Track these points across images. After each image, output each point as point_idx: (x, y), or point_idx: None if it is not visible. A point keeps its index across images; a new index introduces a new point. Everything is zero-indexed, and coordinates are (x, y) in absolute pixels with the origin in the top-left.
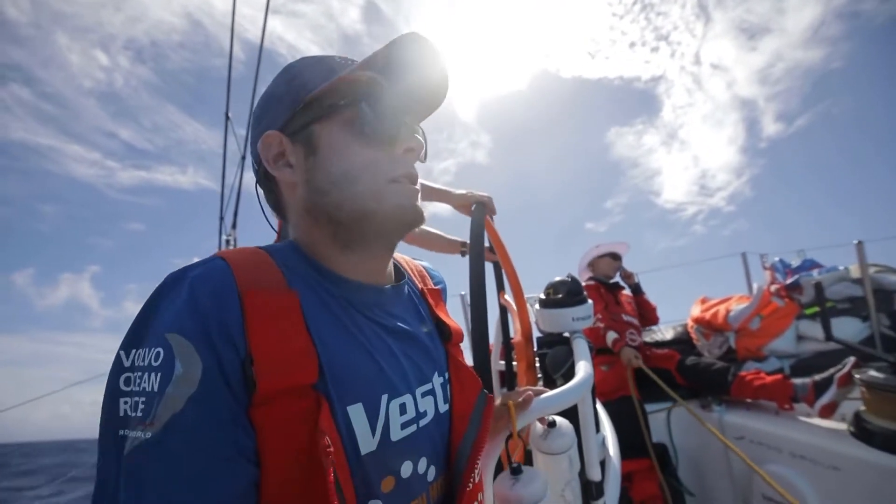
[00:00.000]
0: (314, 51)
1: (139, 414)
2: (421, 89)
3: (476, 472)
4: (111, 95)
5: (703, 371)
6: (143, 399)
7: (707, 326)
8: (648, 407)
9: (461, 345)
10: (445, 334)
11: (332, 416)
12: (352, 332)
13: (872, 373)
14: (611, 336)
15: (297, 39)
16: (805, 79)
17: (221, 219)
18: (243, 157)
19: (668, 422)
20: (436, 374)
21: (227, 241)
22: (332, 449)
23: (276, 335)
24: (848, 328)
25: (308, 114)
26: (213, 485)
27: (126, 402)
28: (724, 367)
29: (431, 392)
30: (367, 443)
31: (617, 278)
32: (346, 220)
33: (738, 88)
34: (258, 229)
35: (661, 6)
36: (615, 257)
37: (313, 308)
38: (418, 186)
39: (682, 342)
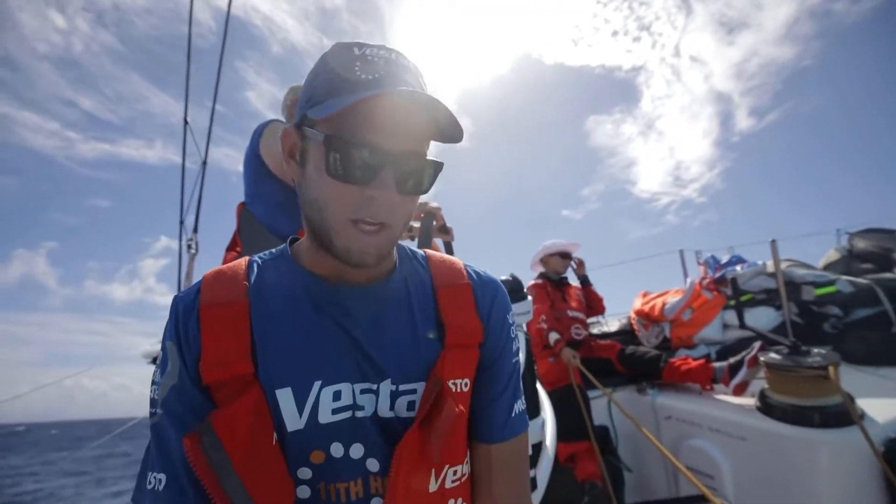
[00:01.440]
0: (290, 24)
1: (155, 397)
2: (403, 133)
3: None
4: (69, 61)
5: (638, 359)
6: (156, 388)
7: (646, 318)
8: (592, 393)
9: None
10: (442, 333)
11: (259, 398)
12: (302, 326)
13: (773, 355)
14: (552, 337)
15: (272, 10)
16: (778, 75)
17: (181, 222)
18: (204, 163)
19: (609, 407)
20: (389, 381)
21: (189, 245)
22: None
23: (217, 340)
24: (764, 316)
25: (307, 129)
26: (179, 446)
27: (152, 390)
28: (657, 355)
29: (374, 392)
30: (293, 422)
31: (567, 272)
32: (317, 233)
33: (715, 82)
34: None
35: None
36: (565, 256)
37: (271, 307)
38: (391, 228)
39: (626, 333)
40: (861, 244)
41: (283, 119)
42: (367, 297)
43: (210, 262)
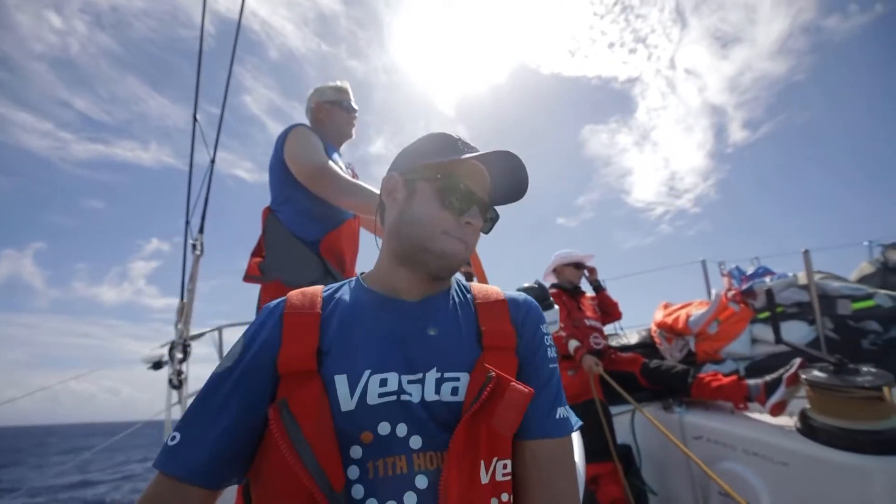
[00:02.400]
0: (289, 29)
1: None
2: (494, 187)
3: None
4: (66, 62)
5: (664, 374)
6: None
7: (669, 331)
8: (614, 409)
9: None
10: (480, 339)
11: (322, 386)
12: (361, 327)
13: (816, 373)
14: (572, 344)
15: (270, 15)
16: (770, 89)
17: (187, 223)
18: (212, 161)
19: (632, 424)
20: (434, 369)
21: (194, 246)
22: (316, 406)
23: (293, 341)
24: (796, 331)
25: (421, 172)
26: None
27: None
28: (684, 369)
29: (420, 381)
30: (346, 403)
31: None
32: (409, 246)
33: (709, 95)
34: (229, 229)
35: (640, 8)
36: (579, 266)
37: (339, 315)
38: (467, 246)
39: (646, 346)
40: None
41: (306, 122)
42: (423, 306)
43: (204, 261)
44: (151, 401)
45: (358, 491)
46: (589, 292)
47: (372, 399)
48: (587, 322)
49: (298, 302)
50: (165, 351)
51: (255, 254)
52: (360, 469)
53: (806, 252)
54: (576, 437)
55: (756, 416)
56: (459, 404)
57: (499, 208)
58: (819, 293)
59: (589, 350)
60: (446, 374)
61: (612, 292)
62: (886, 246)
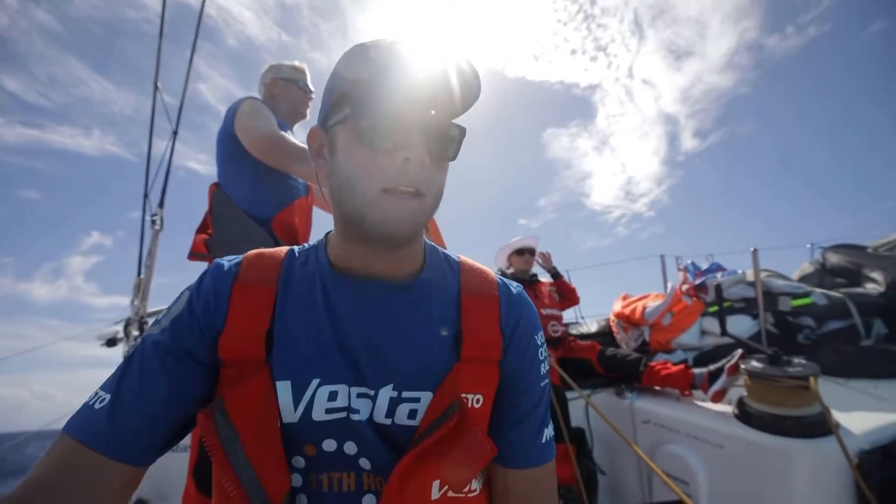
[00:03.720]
0: (247, 17)
1: (148, 332)
2: (425, 95)
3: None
4: None
5: (619, 361)
6: (154, 324)
7: (626, 321)
8: (570, 394)
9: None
10: (459, 344)
11: (269, 380)
12: (312, 322)
13: (754, 363)
14: None
15: (228, 1)
16: (718, 101)
17: (146, 196)
18: (175, 132)
19: (586, 408)
20: (391, 386)
21: (153, 221)
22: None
23: (241, 321)
24: (741, 324)
25: (334, 115)
26: (141, 379)
27: (149, 326)
28: (637, 357)
29: (370, 397)
30: (288, 414)
31: (536, 269)
32: (348, 217)
33: (664, 104)
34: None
35: (601, 18)
36: (521, 252)
37: (292, 298)
38: (424, 195)
39: (604, 334)
40: (834, 259)
41: (258, 97)
42: (388, 299)
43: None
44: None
45: (301, 501)
46: (545, 278)
47: (318, 414)
48: (544, 311)
49: (255, 268)
50: (120, 328)
51: (199, 230)
52: (304, 478)
53: (754, 251)
54: None
55: (699, 402)
56: (416, 429)
57: (455, 203)
58: (764, 290)
59: (546, 338)
60: (404, 394)
61: (577, 284)
62: (825, 248)
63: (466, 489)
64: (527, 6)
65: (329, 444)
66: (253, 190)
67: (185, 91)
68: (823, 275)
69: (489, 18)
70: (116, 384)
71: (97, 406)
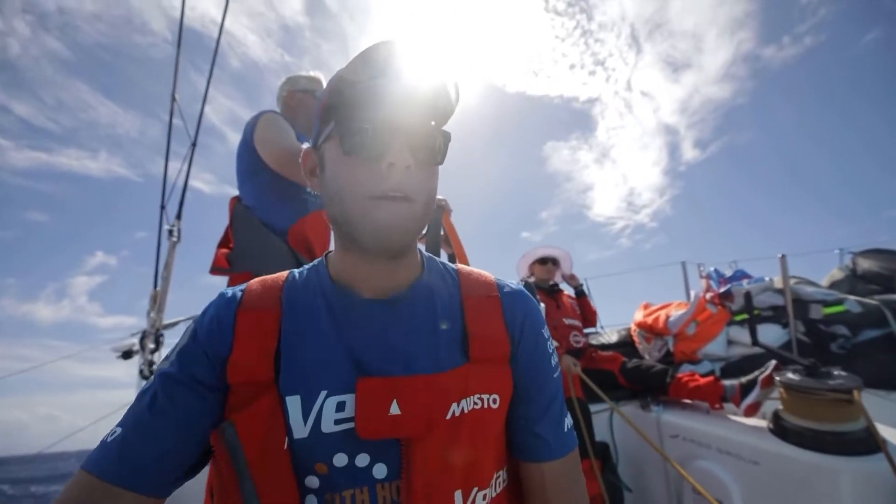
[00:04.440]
0: (251, 39)
1: (160, 368)
2: (403, 100)
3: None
4: (3, 63)
5: (643, 373)
6: (165, 360)
7: (648, 330)
8: (593, 407)
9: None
10: (465, 347)
11: (277, 402)
12: (318, 337)
13: (790, 375)
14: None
15: (232, 24)
16: (716, 111)
17: (163, 207)
18: (193, 145)
19: (610, 422)
20: None
21: (171, 232)
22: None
23: (247, 345)
24: (770, 334)
25: (322, 133)
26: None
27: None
28: (662, 369)
29: None
30: (299, 429)
31: (558, 279)
32: (343, 229)
33: (663, 115)
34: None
35: (598, 33)
36: (544, 262)
37: (297, 317)
38: (414, 200)
39: (626, 345)
40: (865, 264)
41: (277, 110)
42: (389, 307)
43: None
44: (96, 428)
45: None
46: (567, 292)
47: (327, 426)
48: (566, 321)
49: (257, 294)
50: (136, 340)
51: (221, 245)
52: (318, 499)
53: (783, 257)
54: None
55: (731, 416)
56: None
57: (459, 218)
58: (793, 297)
59: (569, 349)
60: None
61: (591, 291)
62: (856, 254)
63: (488, 500)
64: (525, 24)
65: (340, 459)
66: (271, 202)
67: (204, 100)
68: (855, 281)
69: (489, 37)
70: (128, 417)
71: (110, 440)
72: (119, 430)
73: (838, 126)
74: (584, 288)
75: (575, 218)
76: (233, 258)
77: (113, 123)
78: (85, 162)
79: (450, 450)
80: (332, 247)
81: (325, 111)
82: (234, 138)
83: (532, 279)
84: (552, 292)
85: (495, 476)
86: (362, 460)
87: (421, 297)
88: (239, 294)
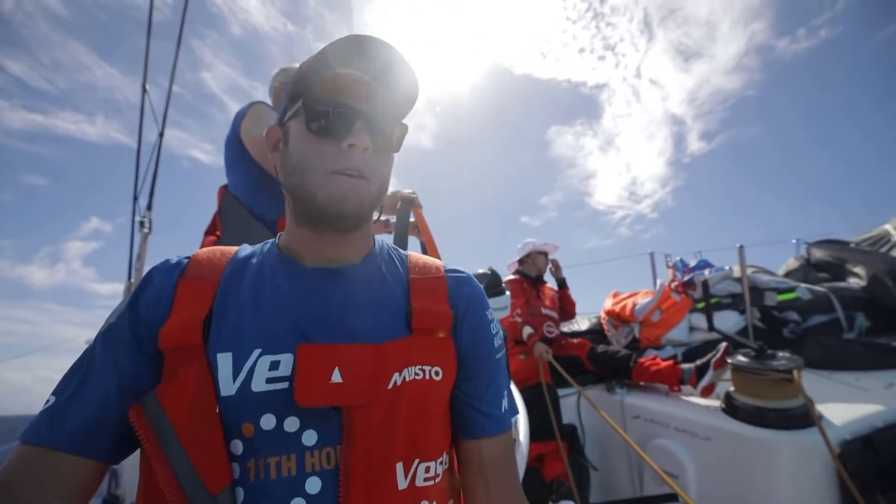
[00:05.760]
0: (252, 5)
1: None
2: (365, 88)
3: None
4: None
5: (608, 358)
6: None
7: (616, 318)
8: (561, 391)
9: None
10: (409, 320)
11: (205, 363)
12: (259, 300)
13: (740, 357)
14: (526, 331)
15: None
16: (725, 103)
17: (135, 199)
18: (161, 134)
19: (577, 405)
20: None
21: (142, 223)
22: (197, 389)
23: (180, 313)
24: (728, 320)
25: (289, 111)
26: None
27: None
28: (626, 354)
29: None
30: (227, 387)
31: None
32: (299, 200)
33: (671, 105)
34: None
35: (611, 17)
36: (545, 254)
37: (238, 284)
38: (369, 179)
39: (595, 332)
40: (818, 254)
41: (268, 102)
42: (336, 275)
43: (161, 240)
44: None
45: (238, 494)
46: (550, 283)
47: (258, 384)
48: (543, 311)
49: (202, 264)
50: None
51: (208, 232)
52: (241, 468)
53: (740, 248)
54: (521, 417)
55: (688, 397)
56: None
57: (459, 199)
58: (750, 285)
59: (541, 337)
60: None
61: (569, 281)
62: (810, 244)
63: (428, 475)
64: (536, 4)
65: (268, 422)
66: (259, 193)
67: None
68: (808, 270)
69: (498, 15)
70: (62, 384)
71: (44, 408)
72: (52, 397)
73: (847, 121)
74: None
75: (575, 205)
76: (220, 245)
77: (110, 87)
78: (82, 126)
79: (391, 420)
80: None
81: (295, 91)
82: (234, 107)
83: (529, 266)
84: (537, 282)
85: (443, 454)
86: (291, 424)
87: (368, 270)
88: (184, 262)
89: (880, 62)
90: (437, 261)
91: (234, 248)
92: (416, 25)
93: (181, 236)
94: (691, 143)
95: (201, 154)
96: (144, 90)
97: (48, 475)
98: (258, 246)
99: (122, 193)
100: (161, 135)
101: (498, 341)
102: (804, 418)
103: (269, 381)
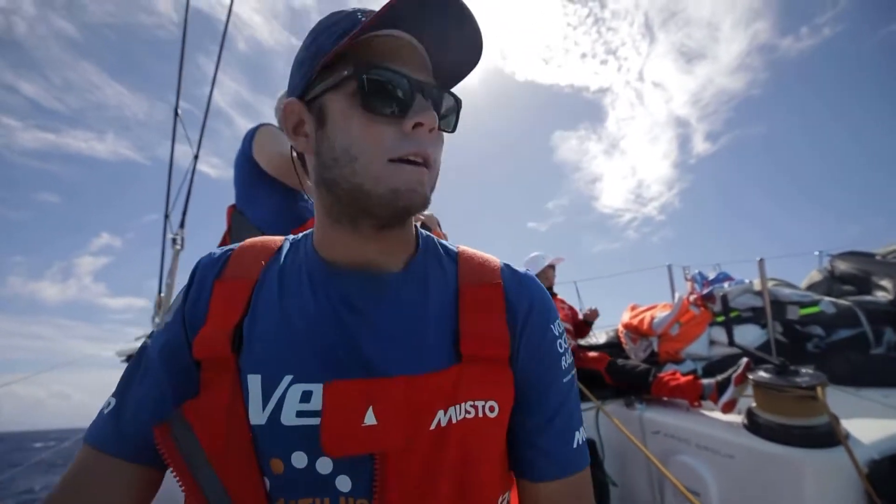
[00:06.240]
0: (257, 21)
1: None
2: (434, 56)
3: None
4: (10, 43)
5: (628, 372)
6: (157, 325)
7: (634, 331)
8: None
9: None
10: (457, 345)
11: (237, 381)
12: (292, 312)
13: (761, 373)
14: None
15: (238, 6)
16: (730, 103)
17: (167, 217)
18: (196, 157)
19: (596, 420)
20: None
21: (174, 240)
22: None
23: (215, 318)
24: (749, 334)
25: (321, 83)
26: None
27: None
28: (646, 369)
29: None
30: (256, 414)
31: (580, 309)
32: (343, 195)
33: (675, 107)
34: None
35: (611, 21)
36: (553, 267)
37: (272, 288)
38: (431, 166)
39: (613, 345)
40: (842, 266)
41: (275, 124)
42: (375, 287)
43: (138, 257)
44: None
45: None
46: (560, 296)
47: (287, 417)
48: None
49: (242, 260)
50: (140, 345)
51: None
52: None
53: (761, 261)
54: None
55: (709, 413)
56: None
57: (465, 205)
58: (771, 299)
59: None
60: None
61: (584, 293)
62: (833, 256)
63: None
64: (537, 11)
65: (299, 459)
66: (267, 210)
67: (205, 120)
68: (832, 283)
69: (500, 24)
70: (122, 387)
71: (106, 411)
72: (113, 400)
73: (852, 119)
74: (576, 289)
75: (582, 209)
76: None
77: (120, 105)
78: (92, 143)
79: (433, 466)
80: None
81: (337, 57)
82: (241, 122)
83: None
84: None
85: (500, 499)
86: (324, 466)
87: (413, 280)
88: (225, 256)
89: (886, 57)
90: (493, 260)
91: (278, 240)
92: None
93: (190, 248)
94: (696, 144)
95: (209, 168)
96: (176, 114)
97: (108, 481)
98: (300, 238)
99: (131, 209)
100: (196, 157)
101: (566, 361)
102: (830, 436)
103: (299, 414)
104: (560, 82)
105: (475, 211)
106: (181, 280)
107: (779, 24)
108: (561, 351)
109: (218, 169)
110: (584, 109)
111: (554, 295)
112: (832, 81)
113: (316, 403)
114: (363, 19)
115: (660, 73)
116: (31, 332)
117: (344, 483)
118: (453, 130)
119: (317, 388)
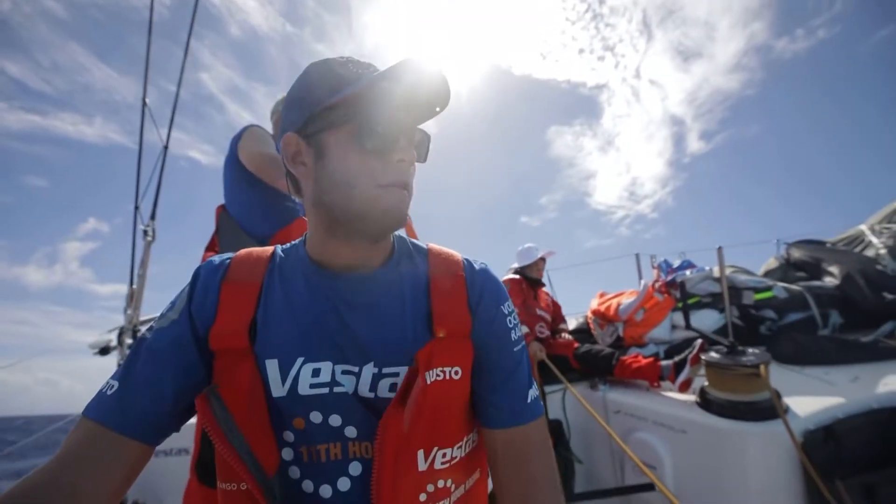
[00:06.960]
0: (251, 6)
1: (153, 325)
2: (414, 106)
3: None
4: None
5: (593, 357)
6: (159, 318)
7: (602, 318)
8: (548, 388)
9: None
10: (430, 325)
11: (255, 366)
12: (296, 308)
13: (712, 354)
14: (522, 329)
15: None
16: (725, 102)
17: (136, 208)
18: (165, 147)
19: (563, 401)
20: (371, 363)
21: (146, 232)
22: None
23: (228, 315)
24: (708, 318)
25: (320, 122)
26: (144, 370)
27: (155, 319)
28: (609, 352)
29: (354, 374)
30: (278, 389)
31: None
32: (341, 216)
33: (670, 105)
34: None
35: (610, 17)
36: (544, 259)
37: (277, 290)
38: (409, 190)
39: (582, 332)
40: (796, 254)
41: (269, 128)
42: (362, 285)
43: (160, 239)
44: (93, 393)
45: (294, 472)
46: (545, 288)
47: (303, 389)
48: (538, 312)
49: (242, 266)
50: (114, 336)
51: (208, 249)
52: (295, 452)
53: (720, 249)
54: None
55: (667, 392)
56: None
57: (459, 200)
58: (729, 285)
59: (534, 337)
60: (384, 370)
61: (560, 282)
62: (789, 244)
63: (444, 459)
64: (535, 5)
65: (315, 417)
66: (253, 211)
67: (173, 115)
68: (787, 269)
69: (497, 16)
70: (125, 372)
71: (109, 392)
72: (116, 382)
73: (845, 120)
74: (546, 279)
75: (575, 205)
76: None
77: (108, 88)
78: (80, 127)
79: (417, 418)
80: None
81: (342, 104)
82: (233, 108)
83: (531, 271)
84: (536, 284)
85: (464, 439)
86: (335, 420)
87: (392, 275)
88: (226, 263)
89: (879, 61)
90: (456, 255)
91: (269, 251)
92: (416, 27)
93: (180, 235)
94: (691, 143)
95: (200, 155)
96: (144, 103)
97: (108, 453)
98: (292, 247)
99: (119, 194)
100: (166, 147)
101: (517, 334)
102: (771, 410)
103: (312, 385)
104: (557, 77)
105: (467, 205)
106: (154, 272)
107: (775, 25)
108: (510, 326)
109: (209, 156)
110: (581, 105)
111: (541, 286)
112: (827, 83)
113: (325, 377)
114: (353, 70)
115: (656, 71)
116: (17, 318)
117: (351, 431)
118: (424, 161)
119: (325, 366)
